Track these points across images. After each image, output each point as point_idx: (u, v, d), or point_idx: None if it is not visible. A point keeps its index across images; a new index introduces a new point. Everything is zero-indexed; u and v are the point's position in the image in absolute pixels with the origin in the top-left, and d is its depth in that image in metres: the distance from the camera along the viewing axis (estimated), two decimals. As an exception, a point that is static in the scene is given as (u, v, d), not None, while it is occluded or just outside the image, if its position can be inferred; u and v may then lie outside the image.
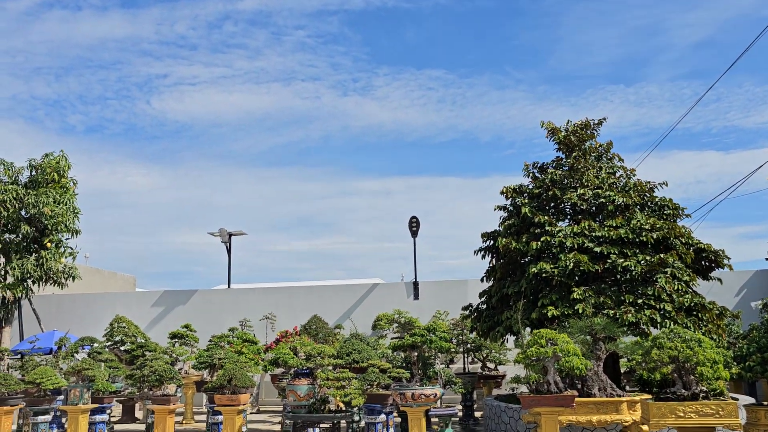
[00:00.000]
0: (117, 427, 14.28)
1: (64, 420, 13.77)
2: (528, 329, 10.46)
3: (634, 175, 11.58)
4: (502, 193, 11.75)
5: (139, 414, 15.72)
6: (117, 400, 14.22)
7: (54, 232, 19.29)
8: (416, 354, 9.23)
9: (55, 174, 19.52)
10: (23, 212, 19.13)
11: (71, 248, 19.98)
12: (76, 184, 20.25)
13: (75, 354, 14.02)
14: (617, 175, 11.56)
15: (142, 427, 13.98)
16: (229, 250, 22.97)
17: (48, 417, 9.91)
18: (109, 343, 14.51)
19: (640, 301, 9.71)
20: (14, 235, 19.32)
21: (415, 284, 19.13)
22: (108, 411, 10.26)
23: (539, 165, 12.02)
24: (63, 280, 19.60)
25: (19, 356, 15.88)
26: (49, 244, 19.16)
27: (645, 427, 7.91)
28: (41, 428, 9.72)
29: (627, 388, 10.33)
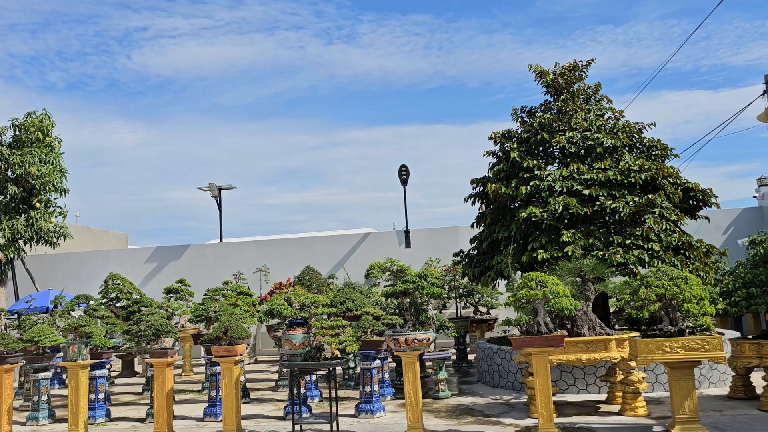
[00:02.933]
0: (117, 381, 14.52)
1: (64, 376, 14.00)
2: (518, 273, 10.60)
3: (622, 117, 11.56)
4: (490, 138, 11.72)
5: (138, 368, 15.97)
6: (116, 356, 14.44)
7: (42, 192, 19.17)
8: (408, 300, 9.34)
9: (39, 133, 19.28)
10: (9, 173, 18.96)
11: (60, 208, 19.91)
12: (61, 143, 20.03)
13: (71, 312, 14.12)
14: (606, 117, 11.53)
15: (142, 380, 14.23)
16: (219, 205, 22.94)
17: (48, 374, 10.05)
18: (105, 300, 14.59)
19: (628, 241, 9.83)
20: (2, 196, 19.19)
21: (407, 233, 19.23)
22: (107, 366, 10.42)
23: (527, 109, 11.96)
24: (54, 240, 19.60)
25: (15, 316, 15.99)
26: (38, 204, 19.07)
27: (633, 363, 8.13)
28: (42, 385, 9.88)
29: (616, 327, 10.54)
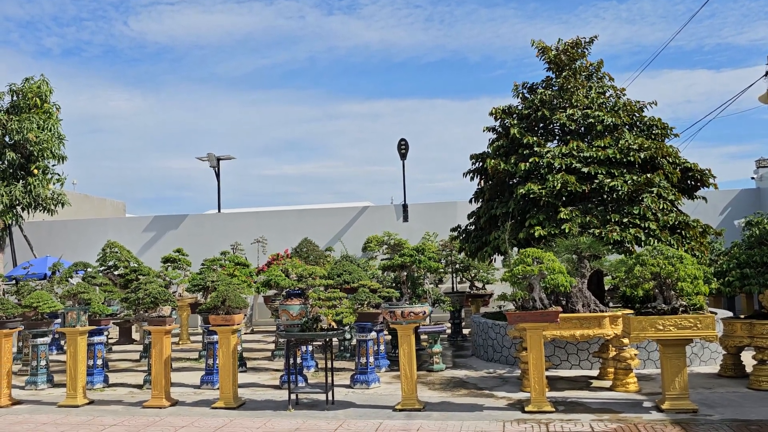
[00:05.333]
0: (115, 348, 14.66)
1: (62, 342, 14.12)
2: (515, 249, 10.65)
3: (624, 95, 11.52)
4: (491, 114, 11.68)
5: (136, 335, 16.11)
6: (114, 323, 14.52)
7: (40, 159, 19.13)
8: (405, 274, 9.41)
9: (37, 99, 19.17)
10: (7, 138, 18.89)
11: (58, 175, 19.89)
12: (59, 110, 19.93)
13: (69, 279, 14.19)
14: (607, 94, 11.49)
15: (140, 347, 14.35)
16: (218, 175, 22.91)
17: (47, 339, 10.14)
18: (103, 268, 14.65)
19: (625, 220, 9.87)
20: (0, 162, 19.13)
21: (405, 207, 19.26)
22: (105, 333, 10.50)
23: (529, 85, 11.90)
24: (52, 207, 19.61)
25: (13, 282, 16.05)
26: (36, 171, 19.03)
27: (626, 340, 8.23)
28: (41, 350, 9.97)
29: (610, 304, 10.64)
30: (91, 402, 8.63)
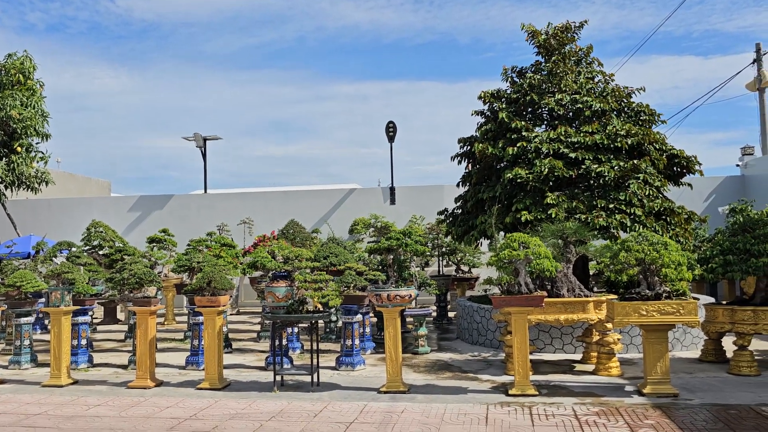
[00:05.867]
0: (100, 328, 14.59)
1: (46, 321, 14.03)
2: (502, 233, 10.69)
3: (612, 81, 11.52)
4: (479, 97, 11.65)
5: (121, 315, 16.05)
6: (98, 303, 14.44)
7: (23, 137, 18.84)
8: (392, 257, 9.41)
9: (20, 76, 18.85)
10: (-11, 115, 18.56)
11: (42, 153, 19.62)
12: (43, 86, 19.61)
13: (53, 258, 14.07)
14: (596, 80, 11.48)
15: (125, 327, 14.30)
16: (204, 155, 22.73)
17: (31, 319, 10.07)
18: (87, 247, 14.54)
19: (611, 205, 9.92)
20: (-18, 139, 18.83)
21: (392, 189, 19.24)
22: (90, 313, 10.45)
23: (518, 69, 11.87)
24: (36, 185, 19.36)
25: (-4, 260, 15.89)
26: (19, 149, 18.76)
27: (609, 325, 8.31)
28: (25, 329, 9.90)
29: (595, 289, 10.73)
30: (76, 382, 8.60)
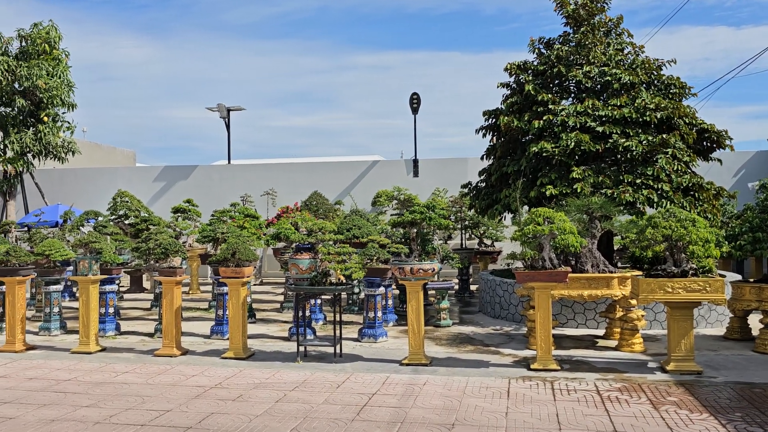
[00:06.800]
0: (126, 296, 14.86)
1: (75, 289, 14.32)
2: (526, 207, 10.61)
3: (642, 52, 11.26)
4: (505, 69, 11.47)
5: (146, 284, 16.31)
6: (125, 272, 14.69)
7: (50, 106, 19.04)
8: (415, 230, 9.40)
9: (46, 45, 18.96)
10: (17, 85, 18.77)
11: (68, 122, 19.83)
12: (68, 56, 19.74)
13: (80, 227, 14.29)
14: (625, 52, 11.24)
15: (150, 296, 14.55)
16: (228, 126, 22.79)
17: (59, 287, 10.28)
18: (113, 217, 14.73)
19: (638, 181, 9.77)
20: (10, 109, 19.07)
21: (415, 162, 19.16)
22: (117, 282, 10.63)
23: (545, 40, 11.65)
24: (63, 155, 19.64)
25: (25, 229, 16.20)
26: (45, 118, 18.98)
27: (633, 301, 8.25)
28: (54, 297, 10.12)
29: (619, 264, 10.63)
30: (104, 349, 8.79)
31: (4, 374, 7.50)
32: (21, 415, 5.90)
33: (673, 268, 7.31)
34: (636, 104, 10.15)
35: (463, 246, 15.17)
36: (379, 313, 9.25)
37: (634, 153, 9.85)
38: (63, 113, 19.66)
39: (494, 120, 11.56)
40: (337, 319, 8.20)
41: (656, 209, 9.06)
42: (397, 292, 11.67)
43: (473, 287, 15.10)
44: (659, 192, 9.77)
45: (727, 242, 8.67)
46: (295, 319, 8.48)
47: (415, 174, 19.05)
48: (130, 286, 15.84)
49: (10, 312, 8.81)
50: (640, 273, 8.20)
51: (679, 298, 7.11)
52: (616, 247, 11.29)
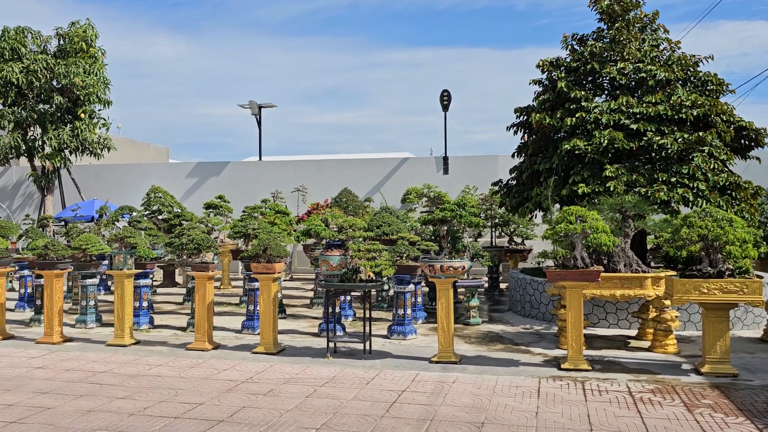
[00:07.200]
0: (159, 290, 15.11)
1: (110, 283, 14.61)
2: (557, 206, 10.50)
3: (678, 48, 11.05)
4: (538, 66, 11.37)
5: (179, 279, 16.56)
6: (158, 266, 14.94)
7: (86, 103, 19.43)
8: (446, 228, 9.38)
9: (83, 43, 19.35)
10: (55, 82, 19.20)
11: (104, 119, 20.22)
12: (104, 54, 20.11)
13: (115, 222, 14.57)
14: (661, 48, 11.04)
15: (183, 290, 14.77)
16: (259, 123, 22.98)
17: (95, 280, 10.50)
18: (147, 212, 14.97)
19: (673, 179, 9.61)
20: (48, 106, 19.51)
21: (445, 159, 19.10)
22: (151, 276, 10.81)
23: (578, 37, 11.50)
24: (98, 151, 20.04)
25: (63, 223, 16.58)
26: (82, 115, 19.38)
27: (667, 302, 8.12)
28: (90, 290, 10.34)
29: (652, 264, 10.47)
30: (138, 342, 8.95)
31: (42, 365, 7.70)
32: (59, 406, 6.05)
33: (709, 268, 7.18)
34: (672, 101, 9.97)
35: (493, 244, 15.09)
36: (409, 311, 9.26)
37: (669, 151, 9.68)
38: (99, 110, 20.06)
39: (525, 117, 11.47)
40: (367, 315, 8.22)
41: (691, 208, 8.90)
42: (426, 289, 11.65)
43: (503, 285, 15.01)
44: (695, 191, 9.59)
45: (765, 242, 8.47)
46: (325, 315, 8.53)
47: (445, 171, 18.99)
48: (163, 281, 16.11)
49: (48, 304, 9.03)
50: (674, 273, 8.06)
51: (714, 300, 6.98)
52: (649, 247, 11.12)
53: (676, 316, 8.29)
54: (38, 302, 10.68)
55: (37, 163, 19.70)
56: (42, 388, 6.65)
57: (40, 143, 19.55)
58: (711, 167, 9.73)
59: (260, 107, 22.79)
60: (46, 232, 14.72)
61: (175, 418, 5.64)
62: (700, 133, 9.73)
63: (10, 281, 15.04)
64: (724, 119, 10.19)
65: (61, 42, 19.51)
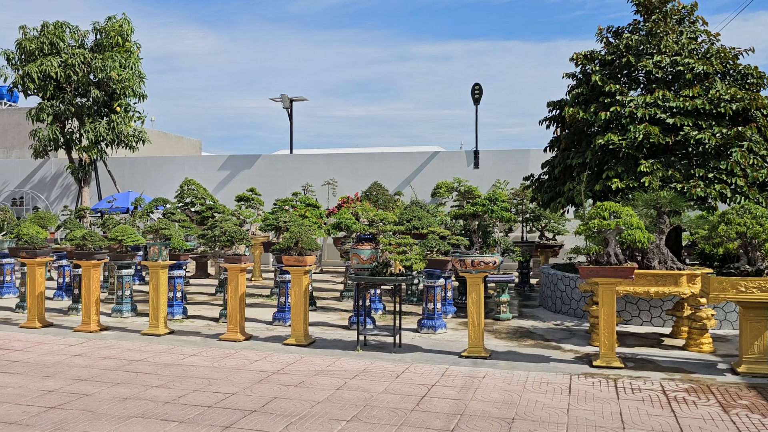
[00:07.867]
0: (192, 281, 15.35)
1: (144, 273, 14.89)
2: (590, 201, 10.38)
3: (717, 41, 10.80)
4: (571, 59, 11.22)
5: (211, 270, 16.80)
6: (191, 258, 15.17)
7: (122, 97, 19.78)
8: (477, 223, 9.34)
9: (119, 38, 19.68)
10: (92, 76, 19.57)
11: (139, 112, 20.56)
12: (139, 48, 20.42)
13: (150, 214, 14.84)
14: (699, 40, 10.80)
15: (215, 282, 14.98)
16: (290, 116, 23.13)
17: (131, 271, 10.71)
18: (181, 204, 15.21)
19: (710, 175, 9.42)
20: (85, 99, 19.91)
21: (476, 153, 19.00)
22: (184, 267, 10.99)
23: (614, 29, 11.32)
24: (134, 144, 20.40)
25: (99, 214, 16.93)
26: (118, 109, 19.74)
27: (703, 300, 7.97)
28: (126, 281, 10.54)
29: (687, 261, 10.29)
30: (172, 332, 9.11)
31: (80, 353, 7.89)
32: (96, 393, 6.20)
33: (747, 266, 7.03)
34: (710, 95, 9.76)
35: (524, 239, 14.98)
36: (439, 305, 9.26)
37: (707, 146, 9.49)
38: (134, 104, 20.41)
39: (559, 111, 11.34)
40: (397, 309, 8.24)
41: (729, 205, 8.72)
42: (456, 283, 11.63)
43: (533, 281, 14.90)
44: (733, 187, 9.39)
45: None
46: (356, 308, 8.57)
47: (476, 165, 18.89)
48: (196, 272, 16.35)
49: (85, 294, 9.24)
50: (710, 270, 7.92)
51: (752, 298, 6.83)
52: (684, 243, 10.93)
53: (712, 315, 8.14)
54: (76, 291, 10.93)
55: (75, 155, 20.13)
56: (80, 375, 6.82)
57: (78, 136, 19.97)
58: (750, 163, 9.51)
59: (291, 101, 22.94)
60: (83, 223, 15.04)
61: (209, 407, 5.74)
62: (740, 128, 9.51)
63: (49, 270, 15.41)
64: (765, 113, 9.95)
65: (98, 36, 19.87)
